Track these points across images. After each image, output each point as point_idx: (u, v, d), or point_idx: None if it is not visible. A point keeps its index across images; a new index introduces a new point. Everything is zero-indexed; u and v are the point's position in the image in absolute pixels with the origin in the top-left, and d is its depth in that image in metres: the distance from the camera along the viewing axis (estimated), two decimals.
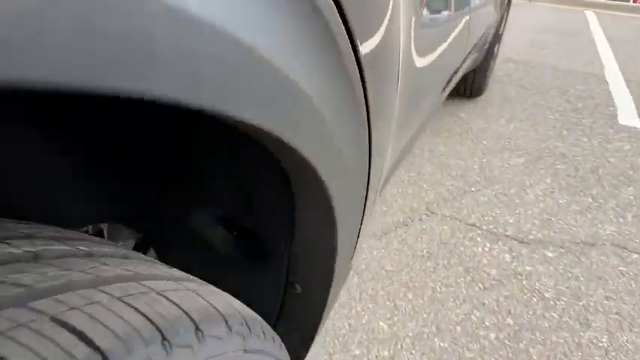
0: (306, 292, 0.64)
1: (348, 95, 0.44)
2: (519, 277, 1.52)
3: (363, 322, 1.31)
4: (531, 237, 1.71)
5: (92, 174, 0.56)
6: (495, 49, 2.86)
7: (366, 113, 0.50)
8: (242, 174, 0.54)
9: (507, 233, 1.72)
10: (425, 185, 1.99)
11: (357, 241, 0.73)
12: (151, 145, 0.55)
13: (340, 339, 1.25)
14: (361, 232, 0.74)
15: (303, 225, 0.55)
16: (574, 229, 1.77)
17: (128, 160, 0.56)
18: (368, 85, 0.48)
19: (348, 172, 0.51)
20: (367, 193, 0.64)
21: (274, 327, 0.72)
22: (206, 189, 0.58)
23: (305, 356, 0.73)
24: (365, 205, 0.66)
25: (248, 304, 0.74)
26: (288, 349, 0.74)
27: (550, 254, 1.63)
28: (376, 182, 0.71)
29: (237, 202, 0.58)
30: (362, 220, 0.69)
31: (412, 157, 2.21)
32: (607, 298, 1.46)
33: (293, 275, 0.63)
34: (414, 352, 1.23)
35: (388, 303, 1.38)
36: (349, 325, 1.29)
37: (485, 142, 2.40)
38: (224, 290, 0.73)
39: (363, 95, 0.48)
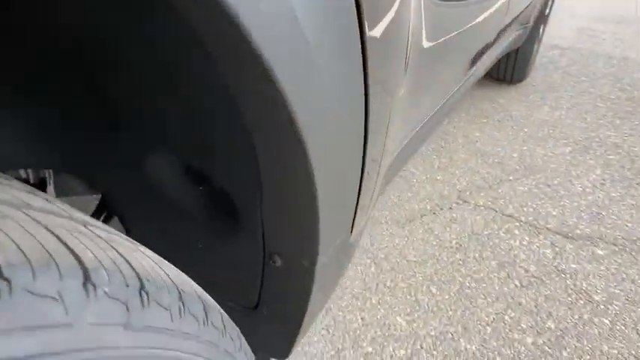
0: (288, 266, 0.50)
1: (345, 48, 0.40)
2: (563, 275, 1.32)
3: (379, 316, 1.15)
4: (578, 232, 1.49)
5: (16, 108, 0.45)
6: (540, 31, 2.62)
7: (362, 70, 0.44)
8: (193, 106, 0.41)
9: (549, 226, 1.51)
10: (457, 172, 1.80)
11: (355, 215, 0.58)
12: (90, 74, 0.43)
13: (351, 333, 1.10)
14: (362, 206, 0.60)
15: (270, 177, 0.42)
16: (629, 225, 1.54)
17: (60, 92, 0.44)
18: (368, 44, 0.43)
19: (333, 124, 0.42)
20: (364, 160, 0.51)
21: (256, 307, 0.58)
22: (155, 128, 0.46)
23: (292, 348, 0.59)
24: (362, 174, 0.53)
25: (226, 280, 0.61)
26: (273, 339, 0.61)
27: (600, 252, 1.42)
28: (376, 152, 0.57)
29: (192, 144, 0.45)
30: (359, 190, 0.55)
31: (444, 143, 2.02)
32: None
33: (270, 245, 0.50)
34: (435, 353, 1.07)
35: (409, 297, 1.22)
36: (362, 318, 1.15)
37: (526, 130, 2.17)
38: (198, 263, 0.61)
39: (361, 54, 0.43)
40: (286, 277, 0.52)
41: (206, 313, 0.31)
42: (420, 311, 1.17)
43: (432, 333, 1.12)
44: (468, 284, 1.27)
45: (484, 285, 1.27)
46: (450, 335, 1.12)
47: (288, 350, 0.59)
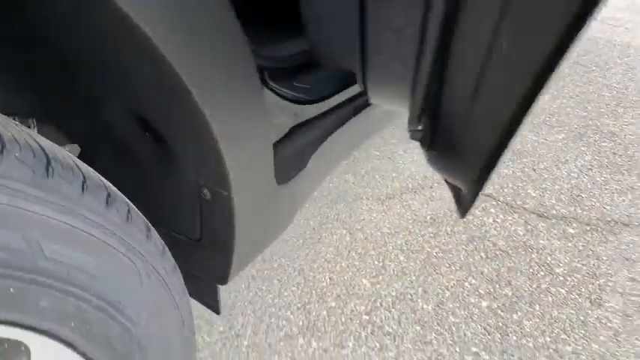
0: (214, 197, 0.63)
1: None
2: (530, 250, 1.39)
3: (346, 277, 1.27)
4: (554, 212, 1.55)
5: None
6: None
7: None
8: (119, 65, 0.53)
9: (526, 206, 1.58)
10: None
11: (282, 164, 0.70)
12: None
13: (318, 290, 1.23)
14: (283, 158, 0.71)
15: (183, 125, 0.54)
16: (608, 207, 1.58)
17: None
18: None
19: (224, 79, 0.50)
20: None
21: (200, 240, 0.72)
22: (105, 80, 0.59)
23: (228, 274, 0.72)
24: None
25: (174, 215, 0.74)
26: (214, 267, 0.74)
27: (572, 230, 1.47)
28: None
29: (129, 96, 0.58)
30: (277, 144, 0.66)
31: None
32: (631, 279, 1.29)
33: (199, 179, 0.63)
34: (392, 310, 1.17)
35: (377, 263, 1.33)
36: (330, 278, 1.27)
37: None
38: (153, 202, 0.74)
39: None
40: (215, 208, 0.64)
41: (110, 199, 0.43)
42: (385, 275, 1.28)
43: (393, 293, 1.23)
44: (435, 254, 1.36)
45: (450, 255, 1.36)
46: (410, 296, 1.22)
47: (225, 276, 0.72)
